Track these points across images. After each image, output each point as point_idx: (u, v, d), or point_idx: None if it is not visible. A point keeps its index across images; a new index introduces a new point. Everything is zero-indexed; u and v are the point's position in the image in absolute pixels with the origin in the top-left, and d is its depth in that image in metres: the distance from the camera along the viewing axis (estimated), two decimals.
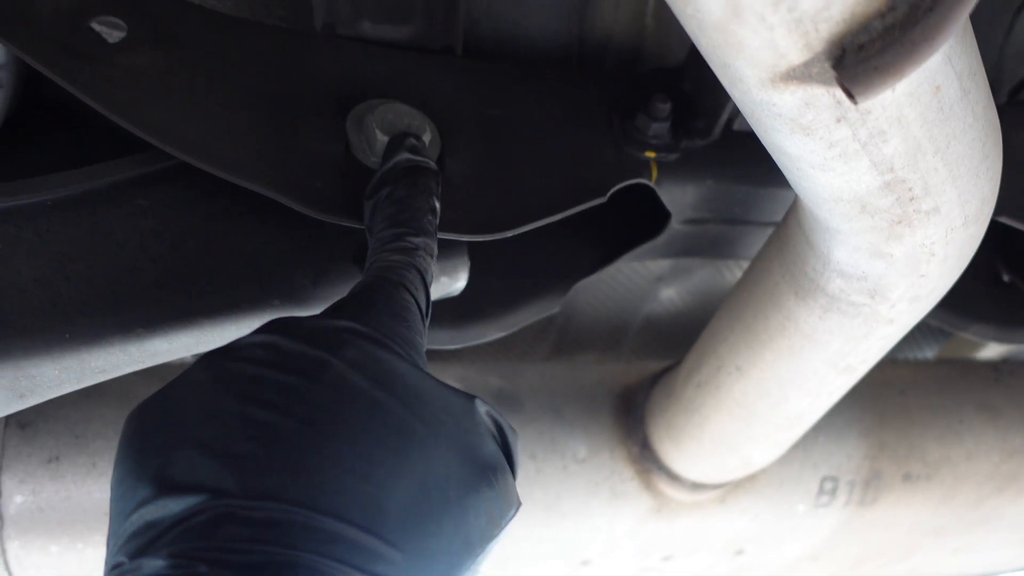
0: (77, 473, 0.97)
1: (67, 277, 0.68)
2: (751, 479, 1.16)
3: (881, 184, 0.61)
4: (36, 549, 0.97)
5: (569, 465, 1.10)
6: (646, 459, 1.10)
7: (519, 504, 0.63)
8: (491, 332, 0.93)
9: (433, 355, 1.44)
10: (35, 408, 1.00)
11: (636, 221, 0.99)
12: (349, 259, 0.79)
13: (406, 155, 0.74)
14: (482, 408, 0.64)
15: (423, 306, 0.67)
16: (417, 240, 0.69)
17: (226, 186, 0.74)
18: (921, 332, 1.73)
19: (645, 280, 1.34)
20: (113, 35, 0.74)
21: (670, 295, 1.41)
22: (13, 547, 0.97)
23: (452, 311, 0.92)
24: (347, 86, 0.83)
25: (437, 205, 0.73)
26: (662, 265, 1.32)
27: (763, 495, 1.17)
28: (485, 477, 0.60)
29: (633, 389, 1.15)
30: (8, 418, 0.98)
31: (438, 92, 0.86)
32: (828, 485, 1.19)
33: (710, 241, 1.00)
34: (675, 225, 0.95)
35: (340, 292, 0.78)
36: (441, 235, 0.79)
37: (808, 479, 1.18)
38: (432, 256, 0.71)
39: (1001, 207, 0.97)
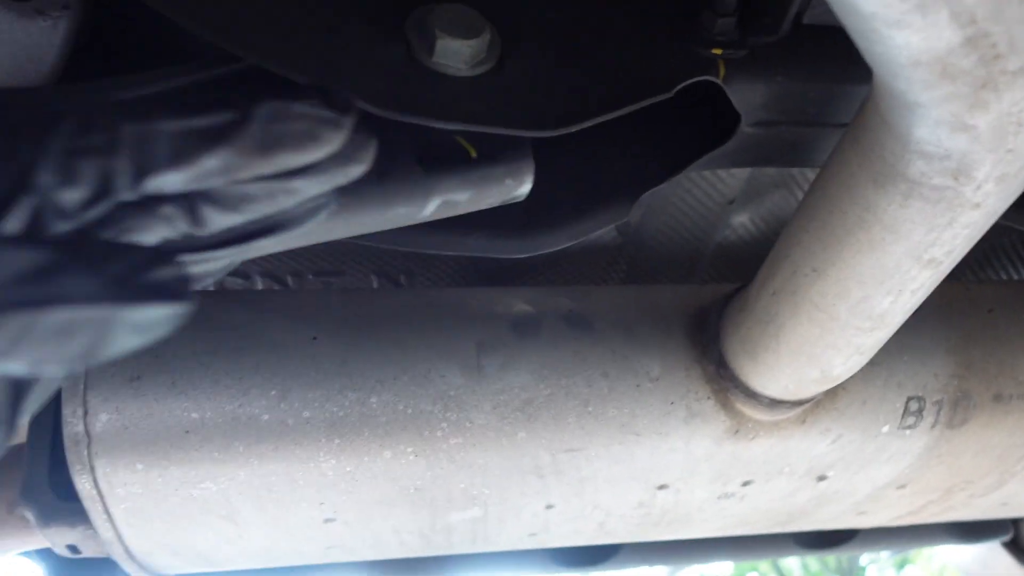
0: (158, 391, 1.00)
1: None
2: (832, 399, 1.13)
3: (962, 40, 0.58)
4: (123, 467, 1.01)
5: (643, 383, 1.08)
6: (722, 377, 1.08)
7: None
8: (560, 240, 0.92)
9: (501, 277, 1.43)
10: None
11: (705, 130, 0.97)
12: (412, 160, 0.79)
13: None
14: None
15: None
16: None
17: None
18: (1012, 255, 1.66)
19: (716, 204, 1.31)
20: None
21: (743, 221, 1.37)
22: (101, 464, 1.00)
23: (518, 220, 0.91)
24: None
25: None
26: (733, 188, 1.29)
27: (845, 415, 1.13)
28: None
29: (707, 309, 1.12)
30: None
31: None
32: (913, 405, 1.15)
33: (783, 146, 0.97)
34: (745, 129, 0.93)
35: (402, 193, 0.78)
36: (503, 132, 0.78)
37: (892, 399, 1.14)
38: None
39: None
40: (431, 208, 0.81)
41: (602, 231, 1.38)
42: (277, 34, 0.74)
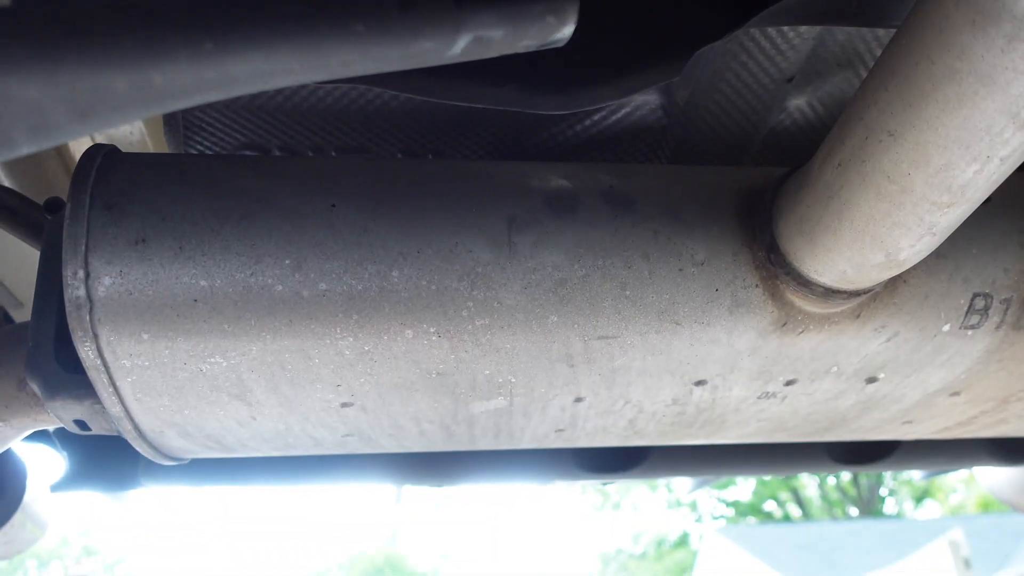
0: (164, 256, 0.93)
1: None
2: (891, 292, 1.04)
3: None
4: (127, 336, 0.95)
5: (686, 268, 1.00)
6: (773, 263, 1.00)
7: None
8: (603, 96, 0.83)
9: (541, 152, 1.34)
10: (119, 189, 0.95)
11: None
12: None
13: None
14: None
15: None
16: None
17: None
18: None
19: (774, 81, 1.21)
20: None
21: (799, 104, 1.27)
22: (105, 332, 0.94)
23: (561, 73, 0.82)
24: None
25: None
26: (793, 63, 1.18)
27: (904, 310, 1.05)
28: None
29: (760, 190, 1.03)
30: (93, 199, 0.94)
31: None
32: (979, 303, 1.06)
33: (860, 0, 0.86)
34: None
35: (429, 24, 0.69)
36: None
37: (957, 294, 1.05)
38: None
39: None
40: (460, 46, 0.72)
41: (646, 110, 1.28)
42: None
